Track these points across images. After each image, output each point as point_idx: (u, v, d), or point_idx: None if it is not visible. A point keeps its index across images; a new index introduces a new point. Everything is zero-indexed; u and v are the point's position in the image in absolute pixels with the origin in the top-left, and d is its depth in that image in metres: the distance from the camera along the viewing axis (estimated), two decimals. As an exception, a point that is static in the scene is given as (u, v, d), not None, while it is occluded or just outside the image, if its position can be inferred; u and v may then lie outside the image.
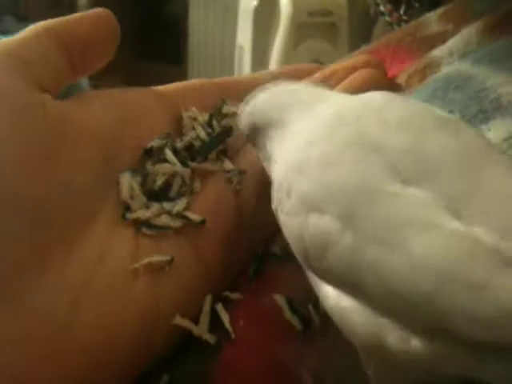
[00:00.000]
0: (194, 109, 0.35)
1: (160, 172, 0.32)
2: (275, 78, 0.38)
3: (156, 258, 0.29)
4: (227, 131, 0.34)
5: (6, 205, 0.26)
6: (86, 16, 0.32)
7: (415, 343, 0.20)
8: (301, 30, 1.04)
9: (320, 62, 0.48)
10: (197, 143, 0.34)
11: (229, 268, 0.32)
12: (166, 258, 0.29)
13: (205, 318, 0.30)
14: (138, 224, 0.30)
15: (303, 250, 0.24)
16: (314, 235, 0.23)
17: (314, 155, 0.24)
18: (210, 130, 0.34)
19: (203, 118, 0.35)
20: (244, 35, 1.24)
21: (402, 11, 0.69)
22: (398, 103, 0.25)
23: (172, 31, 1.65)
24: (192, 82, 0.37)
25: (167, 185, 0.32)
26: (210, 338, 0.29)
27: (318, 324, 0.29)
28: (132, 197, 0.31)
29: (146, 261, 0.29)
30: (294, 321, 0.29)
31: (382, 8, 0.73)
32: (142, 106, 0.33)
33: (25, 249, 0.26)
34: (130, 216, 0.30)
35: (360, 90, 0.32)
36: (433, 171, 0.22)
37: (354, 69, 0.39)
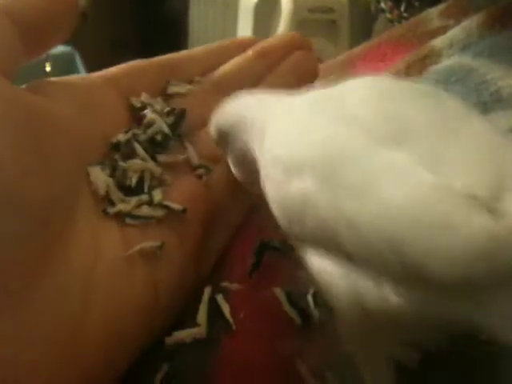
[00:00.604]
0: (144, 94, 0.36)
1: (133, 168, 0.32)
2: (212, 52, 0.40)
3: (148, 244, 0.30)
4: (182, 115, 0.36)
5: (13, 210, 0.25)
6: None
7: (393, 300, 0.20)
8: (301, 26, 1.04)
9: (320, 59, 0.48)
10: (158, 133, 0.35)
11: (212, 251, 0.34)
12: (156, 243, 0.30)
13: (204, 308, 0.30)
14: (121, 216, 0.31)
15: (287, 218, 0.25)
16: (294, 198, 0.23)
17: (293, 127, 0.25)
18: (167, 119, 0.35)
19: (157, 103, 0.36)
20: (244, 32, 1.24)
21: (402, 8, 0.69)
22: (375, 81, 0.26)
23: (172, 28, 1.65)
24: (137, 62, 0.37)
25: (140, 179, 0.33)
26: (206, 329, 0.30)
27: (318, 317, 0.29)
28: (108, 192, 0.31)
29: (138, 247, 0.30)
30: (293, 314, 0.29)
31: (382, 5, 0.73)
32: (98, 95, 0.34)
33: (32, 249, 0.26)
34: (112, 210, 0.31)
35: (294, 77, 0.38)
36: (408, 135, 0.22)
37: (284, 49, 0.40)
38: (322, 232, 0.22)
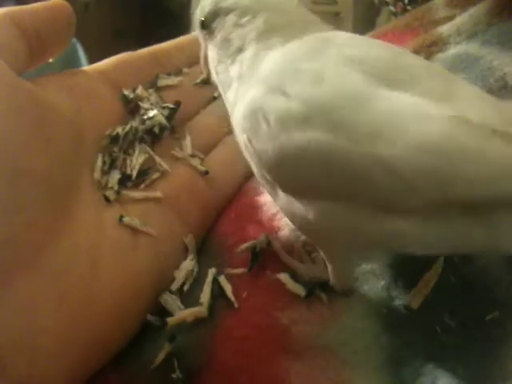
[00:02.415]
0: (140, 87, 0.37)
1: (138, 162, 0.34)
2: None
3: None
4: (176, 108, 0.37)
5: (22, 179, 0.27)
6: (44, 6, 0.33)
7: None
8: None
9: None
10: (155, 126, 0.36)
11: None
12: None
13: (207, 288, 0.31)
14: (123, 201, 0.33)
15: (283, 174, 0.26)
16: (304, 151, 0.24)
17: (297, 76, 0.26)
18: (163, 111, 0.36)
19: (152, 96, 0.37)
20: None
21: (406, 1, 0.69)
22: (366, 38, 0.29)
23: (174, 18, 1.65)
24: (127, 55, 0.38)
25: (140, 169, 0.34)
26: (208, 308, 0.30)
27: (324, 293, 0.29)
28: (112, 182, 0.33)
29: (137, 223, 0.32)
30: (298, 288, 0.29)
31: (386, -2, 0.73)
32: (92, 87, 0.35)
33: (42, 217, 0.28)
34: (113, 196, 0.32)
35: None
36: (412, 78, 0.25)
37: None
38: (346, 182, 0.24)
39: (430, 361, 0.26)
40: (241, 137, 0.28)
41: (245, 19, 0.30)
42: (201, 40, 0.33)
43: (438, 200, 0.23)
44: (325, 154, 0.24)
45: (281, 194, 0.27)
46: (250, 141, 0.26)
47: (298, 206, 0.26)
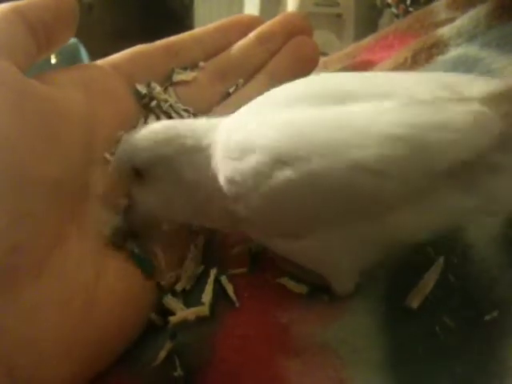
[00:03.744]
0: (155, 84, 0.37)
1: None
2: (216, 33, 0.41)
3: None
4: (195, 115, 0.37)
5: (29, 187, 0.27)
6: None
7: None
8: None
9: (325, 53, 0.49)
10: None
11: None
12: None
13: (209, 288, 0.31)
14: None
15: (271, 219, 0.27)
16: (283, 191, 0.25)
17: (251, 134, 0.27)
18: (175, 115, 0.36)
19: (170, 97, 0.37)
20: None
21: (408, 3, 0.69)
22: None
23: (177, 18, 1.65)
24: (141, 47, 0.38)
25: None
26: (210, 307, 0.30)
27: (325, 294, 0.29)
28: None
29: None
30: (299, 287, 0.29)
31: (388, 0, 0.73)
32: (103, 81, 0.35)
33: (49, 224, 0.28)
34: None
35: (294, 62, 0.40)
36: (352, 92, 0.26)
37: (284, 33, 0.42)
38: (328, 203, 0.25)
39: (429, 360, 0.26)
40: None
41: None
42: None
43: (425, 180, 0.24)
44: (301, 185, 0.25)
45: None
46: (236, 202, 0.27)
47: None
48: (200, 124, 0.30)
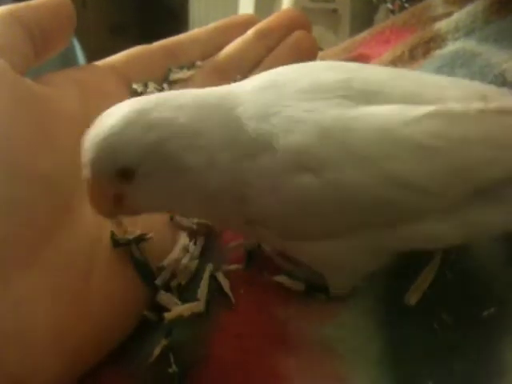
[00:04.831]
0: (152, 83, 0.37)
1: None
2: (213, 33, 0.41)
3: None
4: None
5: (22, 179, 0.27)
6: (45, 2, 0.33)
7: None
8: (302, 16, 1.03)
9: (321, 48, 0.48)
10: None
11: None
12: None
13: (204, 284, 0.30)
14: None
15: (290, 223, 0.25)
16: (305, 195, 0.24)
17: (272, 127, 0.24)
18: None
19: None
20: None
21: (404, -2, 0.69)
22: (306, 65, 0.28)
23: (172, 14, 1.65)
24: (138, 48, 0.38)
25: None
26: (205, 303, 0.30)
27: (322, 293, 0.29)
28: None
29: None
30: (297, 285, 0.29)
31: (384, -5, 0.73)
32: (100, 82, 0.35)
33: (41, 216, 0.28)
34: None
35: (293, 57, 0.39)
36: (376, 88, 0.25)
37: (283, 29, 0.41)
38: (353, 211, 0.24)
39: (428, 357, 0.26)
40: None
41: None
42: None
43: (455, 195, 0.23)
44: (319, 192, 0.24)
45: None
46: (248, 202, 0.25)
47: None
48: (186, 98, 0.26)
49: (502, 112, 0.23)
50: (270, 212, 0.25)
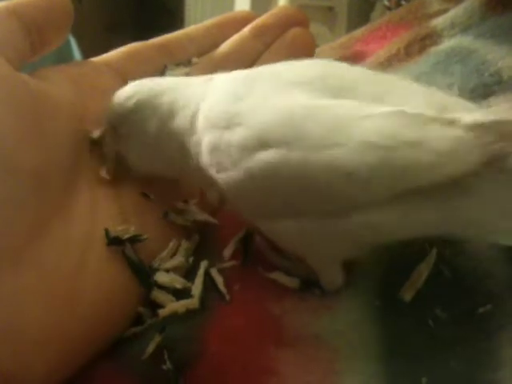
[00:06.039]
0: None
1: None
2: (210, 30, 0.41)
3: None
4: None
5: (9, 175, 0.27)
6: None
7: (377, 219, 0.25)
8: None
9: (317, 46, 0.48)
10: None
11: None
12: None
13: (199, 280, 0.30)
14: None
15: (250, 198, 0.27)
16: (262, 171, 0.26)
17: (244, 107, 0.27)
18: None
19: None
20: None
21: (400, -5, 0.69)
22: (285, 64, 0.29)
23: (168, 11, 1.65)
24: (135, 45, 0.38)
25: None
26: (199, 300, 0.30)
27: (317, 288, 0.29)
28: None
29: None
30: (291, 281, 0.29)
31: (380, -8, 0.73)
32: (97, 81, 0.35)
33: (29, 212, 0.28)
34: None
35: (290, 54, 0.38)
36: (349, 86, 0.26)
37: (280, 26, 0.41)
38: (299, 191, 0.25)
39: (422, 353, 0.26)
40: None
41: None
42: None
43: (393, 192, 0.24)
44: (280, 169, 0.25)
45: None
46: (218, 172, 0.28)
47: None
48: (171, 83, 0.32)
49: (449, 123, 0.24)
50: (233, 181, 0.27)
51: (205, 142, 0.28)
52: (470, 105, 0.27)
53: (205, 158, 0.28)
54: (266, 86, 0.27)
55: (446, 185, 0.24)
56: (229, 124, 0.27)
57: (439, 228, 0.25)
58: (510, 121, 0.24)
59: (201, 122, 0.29)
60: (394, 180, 0.24)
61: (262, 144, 0.26)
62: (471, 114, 0.25)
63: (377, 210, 0.25)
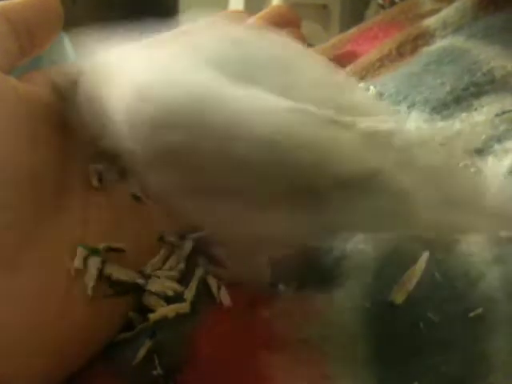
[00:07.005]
0: None
1: None
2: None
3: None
4: None
5: (4, 180, 0.27)
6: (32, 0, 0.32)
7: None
8: (292, 12, 1.03)
9: (311, 44, 0.48)
10: None
11: None
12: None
13: (193, 285, 0.30)
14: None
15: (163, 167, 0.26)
16: (170, 151, 0.25)
17: (152, 80, 0.26)
18: None
19: None
20: (235, 15, 1.22)
21: (394, -6, 0.69)
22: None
23: (162, 11, 1.65)
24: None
25: None
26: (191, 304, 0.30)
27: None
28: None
29: None
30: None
31: (374, -9, 0.73)
32: None
33: (21, 216, 0.28)
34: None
35: None
36: (257, 74, 0.25)
37: (275, 24, 0.40)
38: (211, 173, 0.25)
39: (414, 356, 0.26)
40: None
41: None
42: None
43: (285, 190, 0.24)
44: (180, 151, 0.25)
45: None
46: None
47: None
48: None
49: (344, 126, 0.24)
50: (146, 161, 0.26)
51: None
52: (379, 108, 0.27)
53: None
54: (184, 63, 0.26)
55: (329, 187, 0.24)
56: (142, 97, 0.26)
57: (313, 233, 0.26)
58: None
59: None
60: (285, 178, 0.24)
61: (168, 125, 0.25)
62: (369, 119, 0.24)
63: (271, 212, 0.25)
